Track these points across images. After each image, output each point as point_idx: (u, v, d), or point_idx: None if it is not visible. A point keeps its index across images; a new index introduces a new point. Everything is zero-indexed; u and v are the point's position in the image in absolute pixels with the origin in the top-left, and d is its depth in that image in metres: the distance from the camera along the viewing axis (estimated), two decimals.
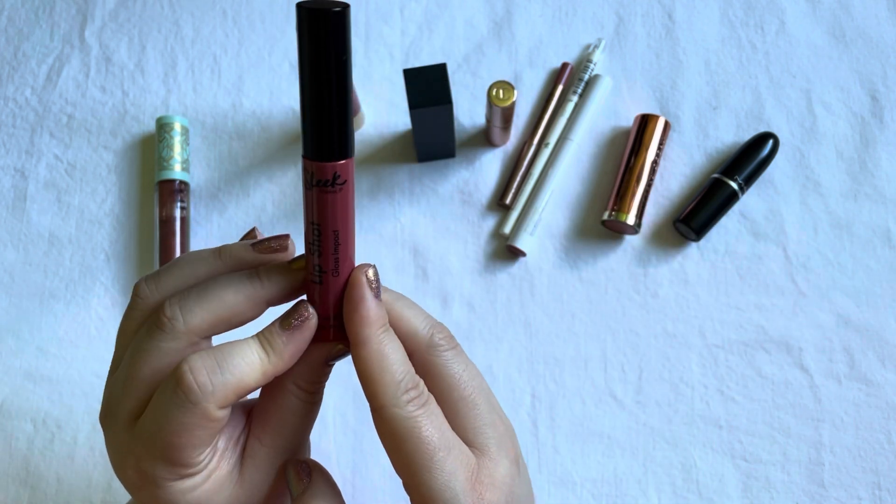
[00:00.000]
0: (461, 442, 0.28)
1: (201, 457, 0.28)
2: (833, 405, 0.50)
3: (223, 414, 0.27)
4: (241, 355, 0.27)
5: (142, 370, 0.27)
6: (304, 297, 0.30)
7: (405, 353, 0.29)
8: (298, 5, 0.25)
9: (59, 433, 0.51)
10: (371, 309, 0.28)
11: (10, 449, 0.51)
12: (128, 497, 0.50)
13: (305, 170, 0.27)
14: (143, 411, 0.27)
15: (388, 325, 0.29)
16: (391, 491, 0.50)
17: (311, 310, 0.28)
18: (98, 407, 0.51)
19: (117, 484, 0.50)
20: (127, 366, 0.28)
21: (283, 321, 0.28)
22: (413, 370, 0.28)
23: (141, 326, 0.28)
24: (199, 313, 0.27)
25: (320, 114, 0.26)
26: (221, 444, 0.29)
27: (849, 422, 0.50)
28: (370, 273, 0.29)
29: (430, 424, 0.27)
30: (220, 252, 0.29)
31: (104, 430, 0.29)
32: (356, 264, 0.29)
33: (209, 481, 0.28)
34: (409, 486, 0.28)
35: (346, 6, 0.25)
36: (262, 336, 0.28)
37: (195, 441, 0.27)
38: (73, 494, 0.50)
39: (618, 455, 0.50)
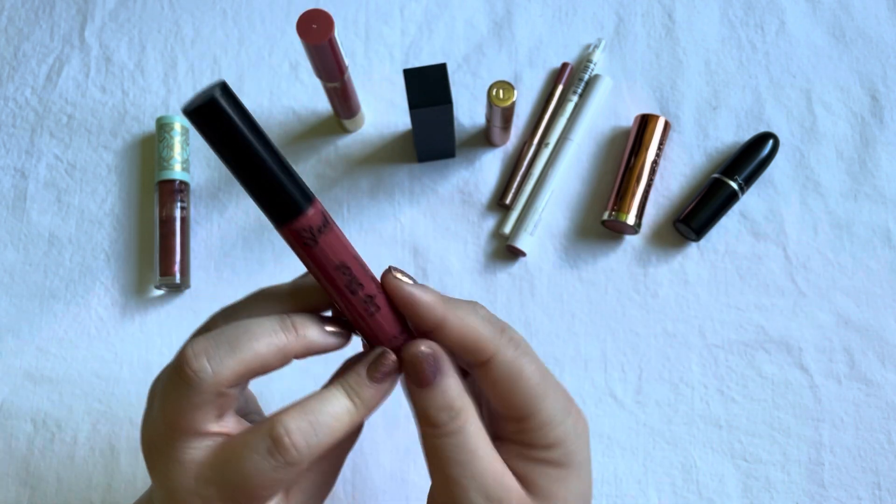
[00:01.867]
0: None
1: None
2: (833, 405, 0.50)
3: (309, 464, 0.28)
4: (331, 413, 0.27)
5: (180, 424, 0.27)
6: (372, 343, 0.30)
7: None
8: (184, 110, 0.24)
9: (59, 433, 0.51)
10: (423, 295, 0.29)
11: (10, 449, 0.51)
12: (128, 497, 0.50)
13: (302, 230, 0.26)
14: (198, 456, 0.27)
15: (445, 297, 0.30)
16: (391, 491, 0.50)
17: (393, 358, 0.29)
18: (98, 407, 0.52)
19: (117, 484, 0.50)
20: (161, 415, 0.27)
21: (371, 372, 0.28)
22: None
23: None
24: (229, 365, 0.26)
25: (281, 177, 0.26)
26: None
27: (849, 422, 0.50)
28: (395, 273, 0.29)
29: (530, 362, 0.29)
30: (294, 328, 0.28)
31: (150, 463, 0.28)
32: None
33: None
34: (524, 420, 0.29)
35: (222, 82, 0.24)
36: (347, 387, 0.28)
37: (278, 489, 0.27)
38: (73, 494, 0.50)
39: (618, 455, 0.50)
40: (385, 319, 0.29)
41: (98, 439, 0.51)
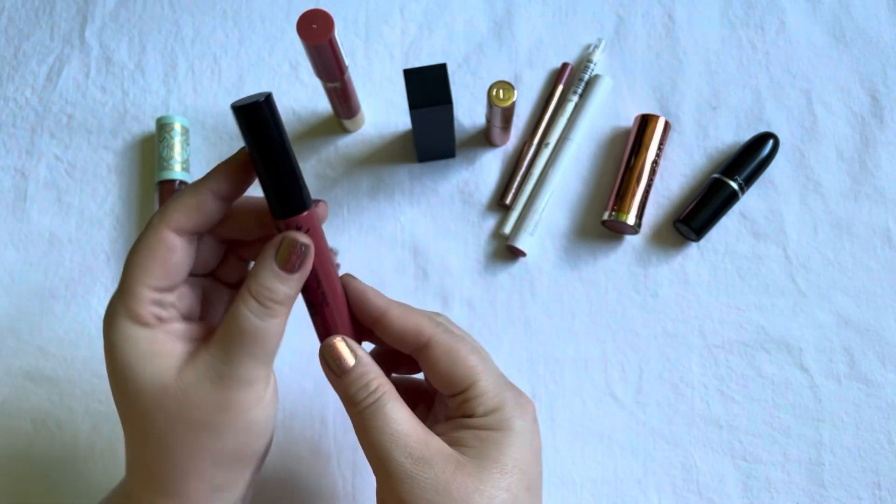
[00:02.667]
0: None
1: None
2: (833, 405, 0.50)
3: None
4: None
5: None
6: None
7: None
8: (232, 106, 0.30)
9: (60, 433, 0.51)
10: (370, 289, 0.35)
11: (10, 449, 0.51)
12: None
13: (296, 225, 0.32)
14: None
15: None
16: None
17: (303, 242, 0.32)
18: (98, 407, 0.52)
19: (117, 485, 0.50)
20: None
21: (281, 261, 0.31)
22: None
23: None
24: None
25: (293, 179, 0.31)
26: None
27: (849, 422, 0.50)
28: (352, 276, 0.36)
29: (466, 345, 0.34)
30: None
31: None
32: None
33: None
34: (464, 391, 0.33)
35: (269, 94, 0.30)
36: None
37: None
38: (73, 494, 0.50)
39: (618, 455, 0.50)
40: (331, 315, 0.34)
41: (98, 439, 0.51)
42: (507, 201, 0.54)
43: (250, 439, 0.32)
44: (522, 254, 0.54)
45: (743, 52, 0.58)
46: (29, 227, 0.56)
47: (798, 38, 0.58)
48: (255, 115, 0.30)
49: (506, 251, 0.54)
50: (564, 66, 0.57)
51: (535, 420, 0.34)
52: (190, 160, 0.57)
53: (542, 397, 0.51)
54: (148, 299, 0.30)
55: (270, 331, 0.31)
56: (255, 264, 0.31)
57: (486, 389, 0.33)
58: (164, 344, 0.31)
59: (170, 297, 0.31)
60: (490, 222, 0.55)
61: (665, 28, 0.58)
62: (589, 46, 0.58)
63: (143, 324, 0.31)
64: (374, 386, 0.32)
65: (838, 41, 0.58)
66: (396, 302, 0.35)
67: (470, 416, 0.33)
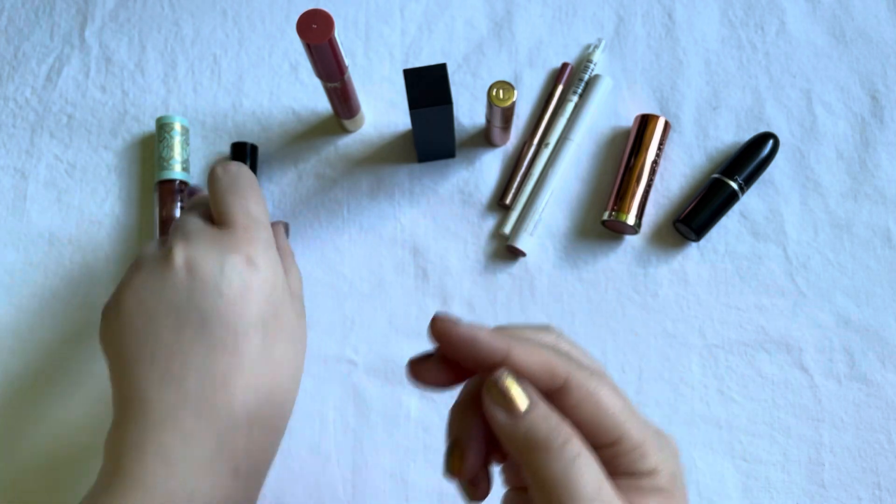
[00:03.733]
0: None
1: None
2: (833, 405, 0.50)
3: None
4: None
5: None
6: None
7: None
8: (231, 143, 0.55)
9: (65, 433, 0.51)
10: (481, 331, 0.27)
11: (13, 450, 0.51)
12: None
13: None
14: None
15: (499, 328, 0.29)
16: (391, 491, 0.50)
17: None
18: (99, 409, 0.52)
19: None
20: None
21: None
22: None
23: None
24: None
25: None
26: None
27: (849, 422, 0.50)
28: (443, 317, 0.28)
29: (606, 385, 0.28)
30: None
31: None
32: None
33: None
34: (616, 444, 0.27)
35: (256, 146, 0.55)
36: None
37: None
38: (72, 498, 0.50)
39: None
40: None
41: (101, 440, 0.51)
42: (507, 201, 0.54)
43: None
44: (522, 254, 0.54)
45: (743, 52, 0.58)
46: (29, 227, 0.56)
47: (798, 38, 0.58)
48: (240, 150, 0.54)
49: (506, 251, 0.54)
50: (564, 66, 0.57)
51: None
52: (190, 160, 0.57)
53: None
54: None
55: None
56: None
57: (643, 441, 0.27)
58: None
59: None
60: (490, 222, 0.55)
61: (665, 28, 0.58)
62: (589, 46, 0.58)
63: None
64: (566, 430, 0.26)
65: (838, 41, 0.58)
66: (515, 337, 0.28)
67: (634, 475, 0.27)
